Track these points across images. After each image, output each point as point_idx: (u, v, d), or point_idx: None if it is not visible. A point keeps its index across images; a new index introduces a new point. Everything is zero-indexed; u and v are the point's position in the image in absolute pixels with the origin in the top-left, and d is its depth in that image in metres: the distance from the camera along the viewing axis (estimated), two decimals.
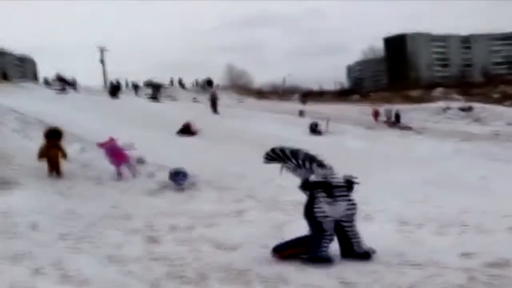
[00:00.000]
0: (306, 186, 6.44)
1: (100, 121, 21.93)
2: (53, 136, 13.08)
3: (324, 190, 6.26)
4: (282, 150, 6.70)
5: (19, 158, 13.55)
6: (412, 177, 13.02)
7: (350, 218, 6.32)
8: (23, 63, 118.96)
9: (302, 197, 6.70)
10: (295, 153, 6.58)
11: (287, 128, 26.71)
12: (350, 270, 5.84)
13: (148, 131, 20.25)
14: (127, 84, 56.13)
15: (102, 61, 51.04)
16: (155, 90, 50.02)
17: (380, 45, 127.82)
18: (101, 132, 18.11)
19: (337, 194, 6.26)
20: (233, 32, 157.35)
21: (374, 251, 6.34)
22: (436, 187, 12.01)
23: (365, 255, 6.28)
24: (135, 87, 54.79)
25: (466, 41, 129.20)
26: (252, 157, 16.75)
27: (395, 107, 44.78)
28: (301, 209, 6.59)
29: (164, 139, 18.74)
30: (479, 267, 5.77)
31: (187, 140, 19.05)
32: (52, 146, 12.88)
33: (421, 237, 7.36)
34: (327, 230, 6.23)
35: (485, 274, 5.51)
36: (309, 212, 6.35)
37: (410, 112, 45.94)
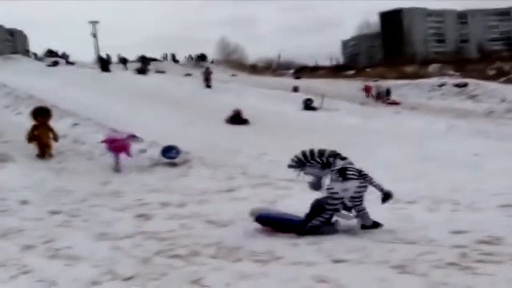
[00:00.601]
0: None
1: (91, 96, 21.77)
2: (41, 116, 12.69)
3: (339, 173, 6.56)
4: (303, 154, 6.95)
5: (10, 134, 13.47)
6: (405, 154, 13.00)
7: (358, 198, 6.55)
8: (13, 37, 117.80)
9: (293, 174, 6.76)
10: (321, 152, 6.85)
11: (281, 103, 26.55)
12: (340, 246, 5.83)
13: (138, 105, 20.12)
14: (119, 59, 56.03)
15: (94, 35, 50.42)
16: (144, 64, 50.36)
17: (375, 20, 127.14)
18: (92, 107, 18.02)
19: (350, 176, 6.51)
20: (223, 6, 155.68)
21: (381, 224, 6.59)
22: (428, 164, 11.99)
23: (373, 226, 6.55)
24: (124, 61, 54.66)
25: (463, 16, 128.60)
26: (245, 133, 16.77)
27: (386, 83, 45.18)
28: (292, 186, 6.59)
29: (155, 114, 18.61)
30: (471, 244, 5.76)
31: (177, 115, 18.92)
32: (41, 126, 12.47)
33: (413, 214, 7.36)
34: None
35: (476, 251, 5.51)
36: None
37: (403, 88, 45.84)
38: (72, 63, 50.68)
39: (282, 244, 6.04)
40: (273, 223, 6.75)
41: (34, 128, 12.42)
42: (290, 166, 7.10)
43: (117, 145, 11.83)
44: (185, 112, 19.73)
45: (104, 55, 48.12)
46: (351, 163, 6.71)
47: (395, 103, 35.97)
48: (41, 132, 12.41)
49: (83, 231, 6.91)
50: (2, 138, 13.23)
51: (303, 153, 6.94)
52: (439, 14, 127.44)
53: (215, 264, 5.41)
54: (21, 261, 5.60)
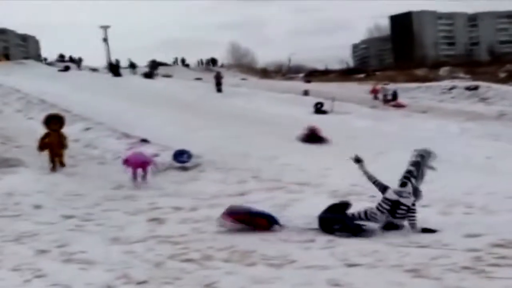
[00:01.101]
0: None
1: (103, 100, 21.87)
2: (54, 123, 12.06)
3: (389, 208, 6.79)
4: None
5: (22, 139, 13.57)
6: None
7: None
8: (25, 42, 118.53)
9: (305, 178, 6.77)
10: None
11: (292, 107, 26.54)
12: (354, 250, 5.81)
13: (150, 110, 20.17)
14: (129, 64, 56.50)
15: (105, 40, 50.63)
16: (151, 68, 50.85)
17: (385, 23, 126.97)
18: (104, 111, 18.09)
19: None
20: (231, 10, 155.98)
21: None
22: (441, 167, 11.90)
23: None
24: (133, 65, 55.09)
25: (473, 19, 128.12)
26: (256, 136, 16.75)
27: (393, 86, 45.51)
28: (304, 189, 6.56)
29: (166, 118, 18.65)
30: (485, 247, 5.73)
31: (188, 119, 18.97)
32: (53, 134, 11.83)
33: (426, 218, 7.32)
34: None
35: (490, 255, 5.48)
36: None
37: (414, 91, 45.71)
38: (81, 69, 51.28)
39: (295, 248, 6.03)
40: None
41: (46, 136, 11.86)
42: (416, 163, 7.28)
43: (137, 162, 10.91)
44: (196, 116, 19.75)
45: (113, 60, 48.45)
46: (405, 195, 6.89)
47: (401, 106, 36.14)
48: (53, 140, 11.79)
49: (96, 235, 6.93)
50: (14, 142, 13.33)
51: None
52: (449, 17, 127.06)
53: (228, 268, 5.41)
54: (35, 265, 5.62)
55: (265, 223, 6.93)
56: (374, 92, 42.00)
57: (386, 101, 38.94)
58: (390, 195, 6.77)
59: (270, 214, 7.14)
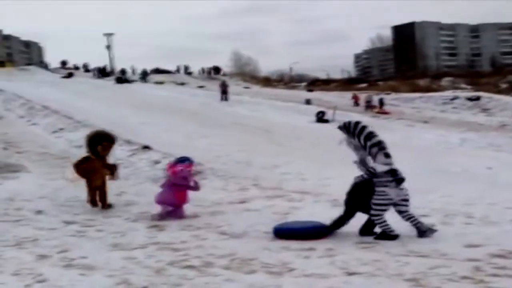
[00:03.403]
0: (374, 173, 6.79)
1: (105, 107, 21.93)
2: (102, 144, 9.25)
3: (392, 177, 6.76)
4: (355, 125, 6.95)
5: (25, 144, 13.61)
6: (418, 167, 12.95)
7: (406, 202, 6.83)
8: (29, 48, 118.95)
9: (306, 186, 6.75)
10: (367, 135, 6.85)
11: (294, 116, 26.65)
12: (353, 259, 5.82)
13: (152, 117, 20.23)
14: (142, 73, 58.39)
15: (108, 47, 50.94)
16: (143, 75, 53.47)
17: (387, 34, 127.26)
18: (106, 118, 18.14)
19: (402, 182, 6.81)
20: (232, 20, 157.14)
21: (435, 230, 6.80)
22: (441, 177, 11.95)
23: (430, 231, 6.73)
24: (144, 74, 56.78)
25: (475, 30, 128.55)
26: (258, 144, 16.80)
27: (379, 95, 48.18)
28: (304, 198, 6.60)
29: (169, 125, 18.72)
30: (484, 257, 5.74)
31: (190, 126, 19.00)
32: (97, 159, 9.15)
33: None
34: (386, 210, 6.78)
35: (490, 265, 5.49)
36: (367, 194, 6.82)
37: (416, 101, 45.84)
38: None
39: (295, 256, 6.04)
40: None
41: (86, 160, 9.19)
42: (340, 128, 7.10)
43: (181, 197, 8.52)
44: (198, 123, 19.81)
45: (119, 69, 49.58)
46: (393, 164, 6.82)
47: (385, 113, 37.18)
48: (96, 168, 9.11)
49: (97, 241, 6.95)
50: (17, 148, 13.37)
51: (355, 124, 6.95)
52: (452, 27, 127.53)
53: (228, 276, 5.42)
54: (36, 270, 5.65)
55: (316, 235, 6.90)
56: (355, 99, 44.83)
57: (369, 107, 40.21)
58: (381, 166, 6.73)
59: (317, 225, 7.09)
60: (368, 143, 6.79)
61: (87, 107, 21.24)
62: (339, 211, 7.29)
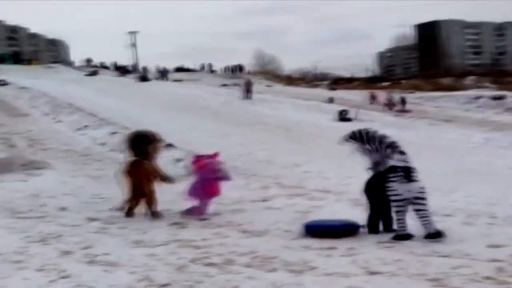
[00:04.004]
0: (390, 169, 6.76)
1: (129, 105, 22.09)
2: (145, 146, 8.44)
3: (404, 173, 6.68)
4: (366, 133, 7.05)
5: (49, 142, 13.76)
6: (441, 166, 12.88)
7: (421, 200, 6.70)
8: (55, 47, 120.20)
9: (327, 185, 6.74)
10: (380, 138, 6.93)
11: (316, 114, 26.59)
12: (375, 258, 5.81)
13: (175, 115, 20.32)
14: (162, 70, 58.70)
15: (133, 45, 51.42)
16: (162, 73, 55.08)
17: (411, 32, 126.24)
18: (130, 116, 18.27)
19: (413, 177, 6.72)
20: (254, 19, 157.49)
21: (444, 233, 6.63)
22: (464, 176, 11.87)
23: (437, 235, 6.56)
24: (164, 72, 57.06)
25: (500, 28, 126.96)
26: (279, 143, 16.80)
27: (400, 94, 47.00)
28: (326, 196, 6.60)
29: (191, 123, 18.80)
30: (507, 258, 5.69)
31: (213, 125, 19.05)
32: (141, 164, 8.35)
33: (448, 227, 7.28)
34: (401, 207, 6.71)
35: None
36: (380, 191, 6.82)
37: (439, 100, 45.48)
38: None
39: (316, 255, 6.04)
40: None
41: (137, 164, 8.36)
42: (347, 139, 7.16)
43: (212, 189, 8.51)
44: (221, 122, 19.87)
45: (141, 67, 50.12)
46: (409, 161, 6.78)
47: (406, 112, 36.83)
48: (149, 172, 8.38)
49: (120, 238, 7.01)
50: (41, 145, 13.52)
51: (365, 132, 7.01)
52: (477, 26, 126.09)
53: (250, 273, 5.44)
54: (60, 266, 5.71)
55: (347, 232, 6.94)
56: (372, 98, 44.41)
57: (389, 106, 39.74)
58: (398, 162, 6.73)
59: (349, 223, 7.12)
60: (383, 146, 6.86)
61: (111, 105, 21.42)
62: (360, 210, 7.28)
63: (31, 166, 11.43)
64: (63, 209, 8.79)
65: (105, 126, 15.83)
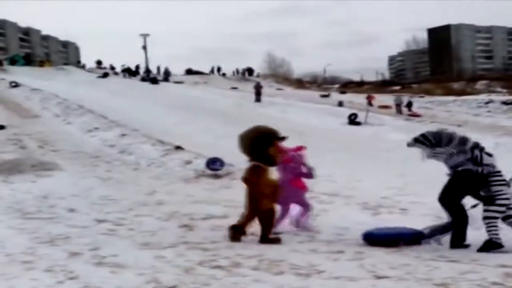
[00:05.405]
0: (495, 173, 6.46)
1: (139, 107, 22.16)
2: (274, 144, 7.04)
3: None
4: (447, 138, 6.56)
5: (59, 143, 13.80)
6: None
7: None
8: (66, 48, 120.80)
9: (335, 188, 6.73)
10: (461, 140, 6.52)
11: (326, 118, 26.54)
12: (382, 262, 5.79)
13: (185, 117, 20.36)
14: (164, 72, 58.75)
15: (144, 47, 51.55)
16: (165, 75, 56.77)
17: (422, 36, 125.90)
18: (139, 118, 18.33)
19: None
20: (264, 21, 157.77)
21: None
22: None
23: (497, 245, 6.40)
24: (166, 73, 57.80)
25: None
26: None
27: (407, 97, 46.99)
28: (334, 200, 6.57)
29: (201, 126, 18.82)
30: None
31: (222, 127, 19.06)
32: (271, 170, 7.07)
33: None
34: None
35: None
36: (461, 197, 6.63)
37: (450, 104, 45.29)
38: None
39: (323, 258, 6.04)
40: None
41: (258, 171, 6.89)
42: (412, 143, 6.76)
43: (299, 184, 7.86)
44: (230, 124, 19.85)
45: (155, 69, 51.03)
46: (496, 164, 6.50)
47: (416, 115, 36.52)
48: (260, 183, 6.84)
49: (128, 240, 7.03)
50: (51, 146, 13.58)
51: (437, 134, 6.57)
52: (488, 30, 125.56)
53: (257, 276, 5.44)
54: (68, 267, 5.73)
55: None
56: (369, 99, 43.46)
57: (399, 110, 39.53)
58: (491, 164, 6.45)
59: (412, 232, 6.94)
60: (466, 147, 6.48)
61: (121, 107, 21.49)
62: (368, 213, 7.26)
63: (41, 167, 11.48)
64: (72, 210, 8.82)
65: (115, 128, 15.88)
